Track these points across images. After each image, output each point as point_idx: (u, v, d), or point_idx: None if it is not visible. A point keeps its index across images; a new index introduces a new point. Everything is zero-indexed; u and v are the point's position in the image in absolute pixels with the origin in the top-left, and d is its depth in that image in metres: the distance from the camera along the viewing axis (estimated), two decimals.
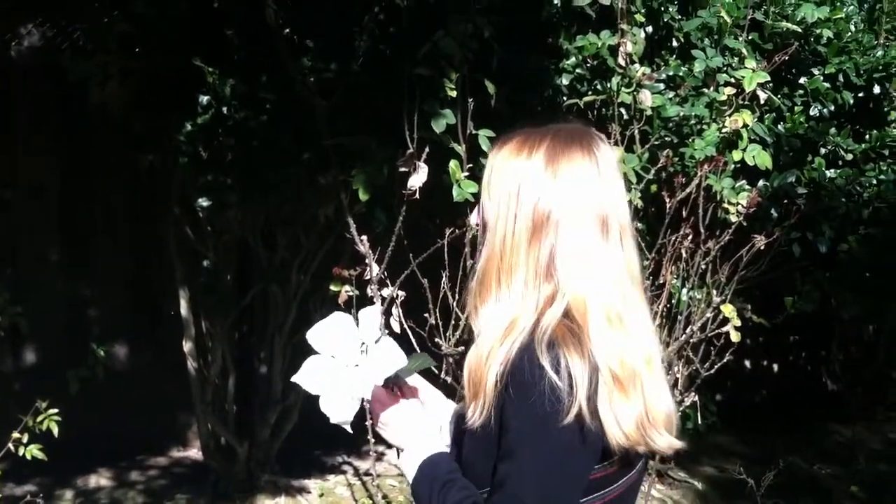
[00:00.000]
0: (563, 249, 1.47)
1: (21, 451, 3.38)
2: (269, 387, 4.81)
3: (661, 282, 3.86)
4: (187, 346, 4.67)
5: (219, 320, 4.59)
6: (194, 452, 5.39)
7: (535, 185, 1.49)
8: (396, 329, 3.71)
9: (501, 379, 1.42)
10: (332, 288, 3.84)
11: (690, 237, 3.87)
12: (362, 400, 1.58)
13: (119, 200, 5.37)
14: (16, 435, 3.38)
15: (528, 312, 1.46)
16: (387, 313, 3.74)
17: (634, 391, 1.43)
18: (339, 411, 1.55)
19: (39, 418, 3.41)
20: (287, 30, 3.88)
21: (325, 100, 3.74)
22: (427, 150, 3.40)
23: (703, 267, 3.96)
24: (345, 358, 1.58)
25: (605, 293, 1.46)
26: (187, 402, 5.06)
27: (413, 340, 3.49)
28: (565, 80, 4.15)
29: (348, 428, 1.58)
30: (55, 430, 3.40)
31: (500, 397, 1.42)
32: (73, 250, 5.35)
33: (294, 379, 1.62)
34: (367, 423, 3.95)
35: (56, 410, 3.42)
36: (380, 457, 5.32)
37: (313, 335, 1.61)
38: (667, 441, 1.49)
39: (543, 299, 1.46)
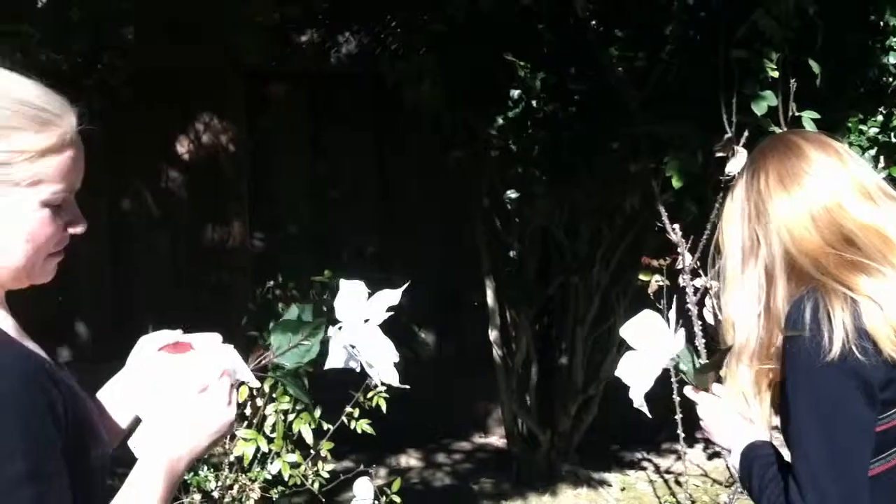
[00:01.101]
0: None
1: (353, 424, 3.64)
2: (569, 378, 4.87)
3: None
4: (493, 334, 4.82)
5: (523, 310, 4.70)
6: (495, 440, 5.56)
7: None
8: (710, 320, 3.62)
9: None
10: (642, 278, 3.81)
11: None
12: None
13: (428, 197, 5.64)
14: (348, 409, 3.64)
15: None
16: (699, 304, 3.66)
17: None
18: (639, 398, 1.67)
19: (370, 394, 3.64)
20: (594, 20, 3.92)
21: (636, 88, 3.73)
22: (746, 134, 3.30)
23: None
24: (655, 353, 1.65)
25: None
26: (488, 390, 5.24)
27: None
28: (893, 59, 3.87)
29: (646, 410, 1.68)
30: (383, 407, 3.63)
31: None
32: (387, 244, 5.69)
33: (616, 373, 1.69)
34: (675, 417, 3.90)
35: (384, 388, 3.64)
36: (680, 456, 5.23)
37: (626, 331, 1.68)
38: None
39: None
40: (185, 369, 1.29)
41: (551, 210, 4.46)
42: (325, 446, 3.70)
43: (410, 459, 5.25)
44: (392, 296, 1.46)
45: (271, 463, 3.65)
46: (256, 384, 1.34)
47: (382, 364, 1.44)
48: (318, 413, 3.68)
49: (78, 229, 1.20)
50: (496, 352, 4.84)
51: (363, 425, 3.66)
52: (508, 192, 4.20)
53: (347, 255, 5.60)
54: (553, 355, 5.08)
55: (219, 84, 5.27)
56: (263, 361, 1.37)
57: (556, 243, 4.71)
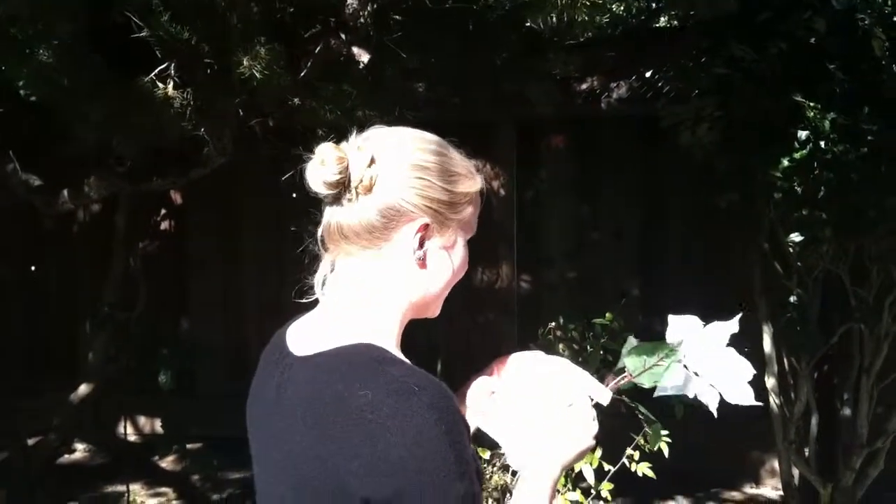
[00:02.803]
0: None
1: (633, 467, 3.66)
2: (853, 430, 4.63)
3: None
4: (770, 382, 4.67)
5: (804, 357, 4.54)
6: (768, 490, 5.37)
7: None
8: None
9: None
10: None
11: None
12: None
13: (695, 240, 5.59)
14: (629, 451, 3.67)
15: None
16: None
17: None
18: None
19: (651, 438, 3.65)
20: (890, 59, 3.77)
21: None
22: None
23: None
24: None
25: None
26: (761, 440, 5.07)
27: None
28: None
29: None
30: (665, 451, 3.62)
31: None
32: (649, 288, 5.67)
33: None
34: None
35: (667, 432, 3.64)
36: None
37: None
38: None
39: None
40: (550, 388, 1.37)
41: (835, 254, 4.30)
42: (605, 487, 3.74)
43: None
44: (730, 326, 1.49)
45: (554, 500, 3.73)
46: (607, 402, 1.40)
47: (736, 384, 1.47)
48: (598, 453, 3.73)
49: (464, 271, 1.33)
50: (773, 400, 4.69)
51: (644, 468, 3.67)
52: (792, 235, 4.09)
53: (611, 297, 5.64)
54: (834, 405, 4.86)
55: (493, 133, 5.50)
56: (622, 382, 1.44)
57: (839, 289, 4.53)
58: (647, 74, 5.34)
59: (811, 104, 3.74)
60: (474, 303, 5.82)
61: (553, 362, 1.41)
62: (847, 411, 4.76)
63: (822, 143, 3.85)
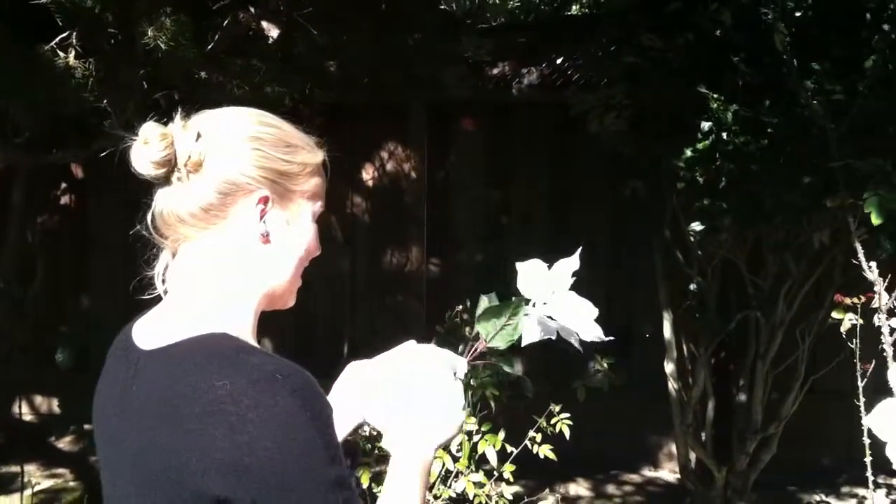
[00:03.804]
0: None
1: (535, 449, 3.71)
2: (748, 415, 4.78)
3: None
4: (669, 367, 4.79)
5: (703, 343, 4.66)
6: (665, 473, 5.51)
7: None
8: None
9: None
10: (835, 315, 3.73)
11: None
12: None
13: (599, 226, 5.69)
14: (532, 434, 3.72)
15: None
16: None
17: None
18: None
19: (553, 420, 3.71)
20: (791, 53, 3.88)
21: (833, 122, 3.68)
22: None
23: None
24: None
25: None
26: (659, 423, 5.21)
27: None
28: None
29: None
30: (566, 433, 3.68)
31: None
32: None
33: (866, 421, 1.66)
34: (865, 459, 3.79)
35: (568, 415, 3.70)
36: (860, 501, 5.05)
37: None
38: None
39: None
40: (416, 365, 1.33)
41: (734, 244, 4.42)
42: (508, 468, 3.78)
43: (580, 488, 5.26)
44: (571, 262, 1.48)
45: (456, 481, 3.76)
46: (462, 373, 1.39)
47: (584, 323, 1.47)
48: (501, 436, 3.77)
49: (317, 252, 1.27)
50: (672, 385, 4.81)
51: (546, 451, 3.72)
52: (693, 224, 4.19)
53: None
54: (730, 391, 5.01)
55: (404, 115, 5.49)
56: (479, 350, 1.43)
57: (737, 277, 4.66)
58: (559, 62, 5.40)
59: (715, 95, 3.83)
60: (383, 286, 5.82)
61: (413, 348, 1.37)
62: (742, 397, 4.90)
63: (725, 135, 3.94)
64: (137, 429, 1.10)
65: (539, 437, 3.75)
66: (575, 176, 5.69)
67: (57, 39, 3.15)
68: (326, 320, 5.84)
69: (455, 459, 3.77)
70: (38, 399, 6.21)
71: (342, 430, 1.33)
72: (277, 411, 1.03)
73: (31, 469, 5.27)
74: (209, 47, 3.17)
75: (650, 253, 4.97)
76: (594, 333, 1.47)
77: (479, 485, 3.73)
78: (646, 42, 4.02)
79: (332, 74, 4.00)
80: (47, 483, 5.22)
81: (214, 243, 1.18)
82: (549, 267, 1.50)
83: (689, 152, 4.02)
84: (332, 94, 4.35)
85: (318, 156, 1.25)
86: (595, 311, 1.47)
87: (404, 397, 1.29)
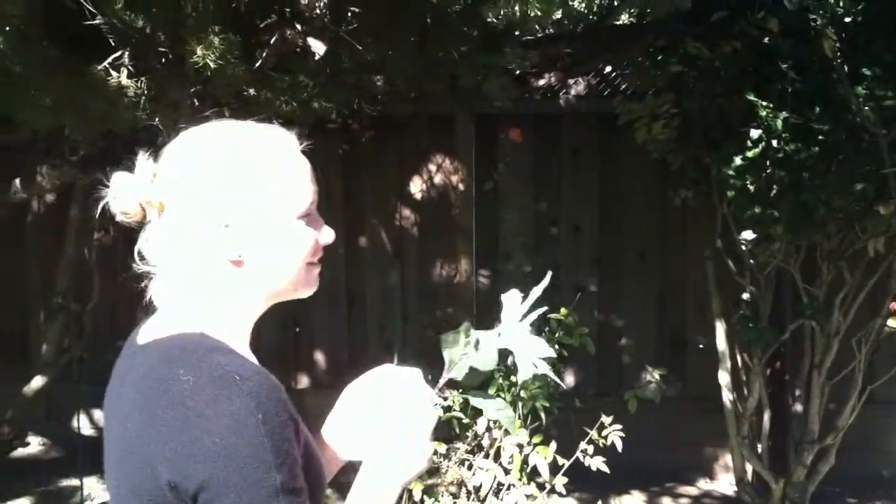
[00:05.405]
0: None
1: (587, 461, 3.68)
2: (805, 426, 4.70)
3: None
4: (723, 378, 4.73)
5: (757, 354, 4.60)
6: (721, 486, 5.43)
7: None
8: None
9: None
10: (890, 324, 3.67)
11: None
12: None
13: (649, 236, 5.64)
14: (583, 445, 3.69)
15: None
16: None
17: None
18: None
19: (605, 432, 3.68)
20: (840, 59, 3.83)
21: (884, 128, 3.62)
22: None
23: None
24: None
25: None
26: (715, 435, 5.14)
27: None
28: None
29: None
30: (619, 445, 3.65)
31: None
32: (606, 283, 5.71)
33: None
34: None
35: (619, 426, 3.67)
36: None
37: None
38: None
39: None
40: (384, 400, 1.36)
41: (787, 252, 4.36)
42: (560, 481, 3.76)
43: (635, 501, 5.21)
44: (536, 292, 1.49)
45: (507, 493, 3.75)
46: (432, 403, 1.37)
47: (532, 358, 1.46)
48: (553, 447, 3.75)
49: (329, 239, 1.28)
50: (726, 396, 4.75)
51: (598, 463, 3.70)
52: (744, 232, 4.14)
53: (567, 292, 5.66)
54: (786, 401, 4.93)
55: (451, 127, 5.50)
56: (443, 382, 1.40)
57: (791, 286, 4.59)
58: (605, 71, 5.38)
59: (764, 103, 3.79)
60: (433, 298, 5.83)
61: (391, 373, 1.40)
62: (798, 407, 4.83)
63: (775, 142, 3.90)
64: (126, 418, 1.17)
65: (591, 449, 3.73)
66: (624, 185, 5.66)
67: (110, 59, 3.22)
68: (375, 333, 5.86)
69: (506, 472, 3.77)
70: (97, 413, 6.32)
71: (343, 454, 1.41)
72: (231, 410, 1.08)
73: (91, 482, 5.36)
74: (257, 64, 3.21)
75: (701, 262, 4.93)
76: (542, 367, 1.46)
77: (531, 497, 3.72)
78: (691, 50, 3.98)
79: (378, 88, 4.03)
80: (106, 497, 5.29)
81: (192, 268, 1.23)
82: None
83: (738, 160, 3.99)
84: (378, 107, 4.38)
85: (288, 165, 1.24)
86: (548, 352, 1.47)
87: (379, 429, 1.33)
